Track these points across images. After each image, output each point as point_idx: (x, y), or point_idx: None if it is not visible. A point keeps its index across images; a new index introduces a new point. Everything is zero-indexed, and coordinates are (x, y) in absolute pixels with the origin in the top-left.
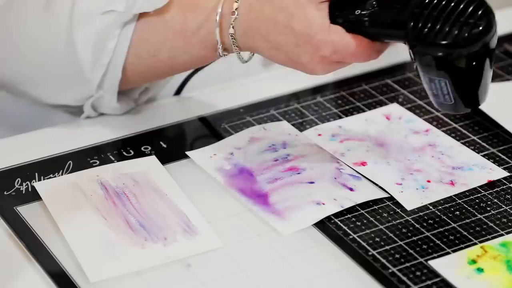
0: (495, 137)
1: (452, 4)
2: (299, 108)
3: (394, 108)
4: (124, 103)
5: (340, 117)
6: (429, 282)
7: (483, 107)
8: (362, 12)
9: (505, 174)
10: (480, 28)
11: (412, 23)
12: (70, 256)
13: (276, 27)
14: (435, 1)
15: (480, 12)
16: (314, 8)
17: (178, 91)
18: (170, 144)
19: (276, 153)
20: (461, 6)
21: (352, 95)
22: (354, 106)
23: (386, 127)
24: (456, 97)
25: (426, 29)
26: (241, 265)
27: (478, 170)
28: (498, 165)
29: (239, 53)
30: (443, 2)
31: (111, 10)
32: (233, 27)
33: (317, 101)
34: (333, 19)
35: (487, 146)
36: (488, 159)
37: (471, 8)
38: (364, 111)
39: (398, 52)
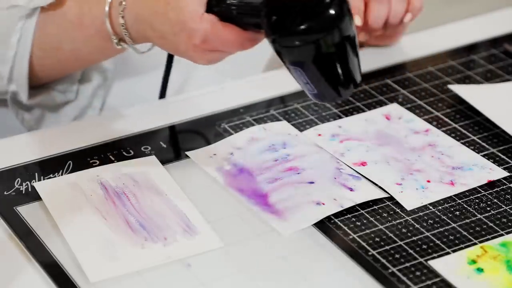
0: (495, 137)
1: None
2: (299, 108)
3: (394, 108)
4: (47, 97)
5: (340, 117)
6: (429, 282)
7: (482, 107)
8: (232, 1)
9: (505, 174)
10: (327, 15)
11: (264, 12)
12: (70, 256)
13: (157, 16)
14: None
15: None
16: None
17: (162, 95)
18: (170, 144)
19: (276, 153)
20: None
21: (352, 95)
22: (354, 106)
23: (386, 127)
24: (316, 85)
25: (275, 18)
26: (241, 265)
27: (478, 170)
28: (498, 165)
29: (133, 45)
30: None
31: (14, 5)
32: (122, 17)
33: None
34: (210, 8)
35: (487, 146)
36: (488, 159)
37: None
38: (364, 111)
39: (398, 52)
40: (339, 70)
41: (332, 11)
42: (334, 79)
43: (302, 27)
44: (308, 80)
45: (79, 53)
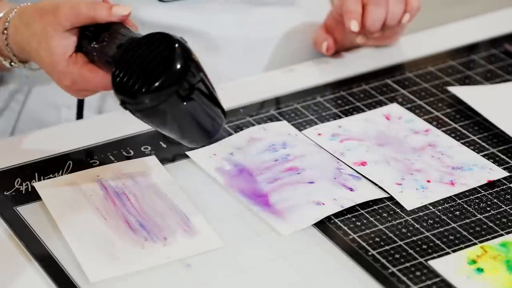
0: (495, 137)
1: (143, 50)
2: (299, 108)
3: (394, 108)
4: None
5: (340, 117)
6: (429, 282)
7: (481, 108)
8: (95, 46)
9: (505, 174)
10: (172, 71)
11: (112, 71)
12: (70, 256)
13: (32, 52)
14: (132, 48)
15: (165, 61)
16: (59, 37)
17: (79, 115)
18: (170, 144)
19: (276, 153)
20: (148, 54)
21: (352, 95)
22: (354, 106)
23: (386, 127)
24: (180, 136)
25: (116, 75)
26: (241, 265)
27: (478, 170)
28: (498, 165)
29: (24, 65)
30: (138, 49)
31: None
32: (7, 45)
33: (317, 101)
34: (80, 48)
35: (487, 146)
36: (488, 159)
37: (158, 59)
38: (364, 111)
39: (397, 52)
40: (197, 121)
41: (176, 66)
42: (193, 130)
43: (144, 91)
44: (169, 134)
45: None
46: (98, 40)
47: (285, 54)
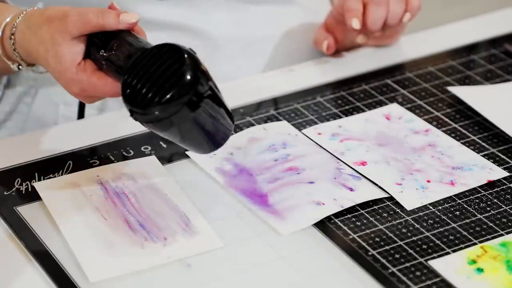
0: (495, 137)
1: (153, 61)
2: (299, 108)
3: (394, 108)
4: None
5: (340, 117)
6: (429, 282)
7: (481, 108)
8: (103, 54)
9: (505, 174)
10: (182, 82)
11: (122, 81)
12: (70, 256)
13: (40, 58)
14: (142, 58)
15: (176, 76)
16: (67, 45)
17: (80, 114)
18: (170, 144)
19: (276, 153)
20: (158, 66)
21: (352, 95)
22: (354, 106)
23: (386, 127)
24: (188, 145)
25: (126, 86)
26: (241, 265)
27: (478, 170)
28: (498, 165)
29: (32, 68)
30: (148, 60)
31: None
32: (15, 50)
33: (317, 101)
34: (88, 55)
35: (487, 146)
36: (488, 159)
37: (168, 71)
38: (364, 111)
39: (397, 52)
40: (205, 131)
41: (187, 78)
42: (203, 139)
43: (154, 103)
44: (178, 142)
45: None
46: (107, 49)
47: (284, 53)
